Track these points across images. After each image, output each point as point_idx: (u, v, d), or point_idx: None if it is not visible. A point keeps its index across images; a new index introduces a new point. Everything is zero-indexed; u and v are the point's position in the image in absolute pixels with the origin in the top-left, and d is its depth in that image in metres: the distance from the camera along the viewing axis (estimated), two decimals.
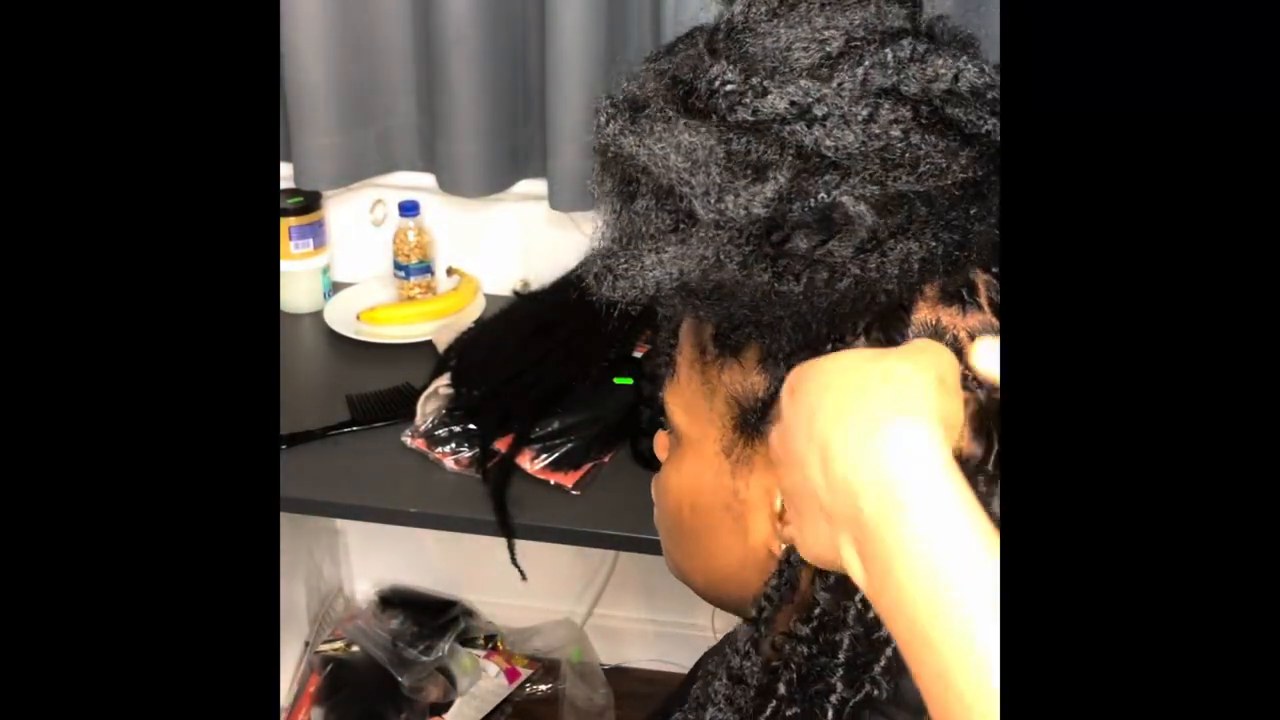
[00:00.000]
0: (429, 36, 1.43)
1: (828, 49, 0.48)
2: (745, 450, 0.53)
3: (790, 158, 0.47)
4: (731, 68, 0.48)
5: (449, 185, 1.50)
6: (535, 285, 1.58)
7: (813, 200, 0.46)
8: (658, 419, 0.62)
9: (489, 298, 1.57)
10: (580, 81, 1.38)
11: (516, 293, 1.59)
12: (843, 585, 0.50)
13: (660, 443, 0.63)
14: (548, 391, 1.29)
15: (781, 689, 0.51)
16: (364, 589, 1.96)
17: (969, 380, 0.48)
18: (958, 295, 0.49)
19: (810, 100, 0.46)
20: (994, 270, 0.50)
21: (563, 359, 1.33)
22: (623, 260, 0.51)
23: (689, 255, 0.48)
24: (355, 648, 1.80)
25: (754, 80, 0.47)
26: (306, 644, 1.85)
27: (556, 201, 1.47)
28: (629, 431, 1.26)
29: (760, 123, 0.47)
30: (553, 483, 1.21)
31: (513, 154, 1.51)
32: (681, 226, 0.49)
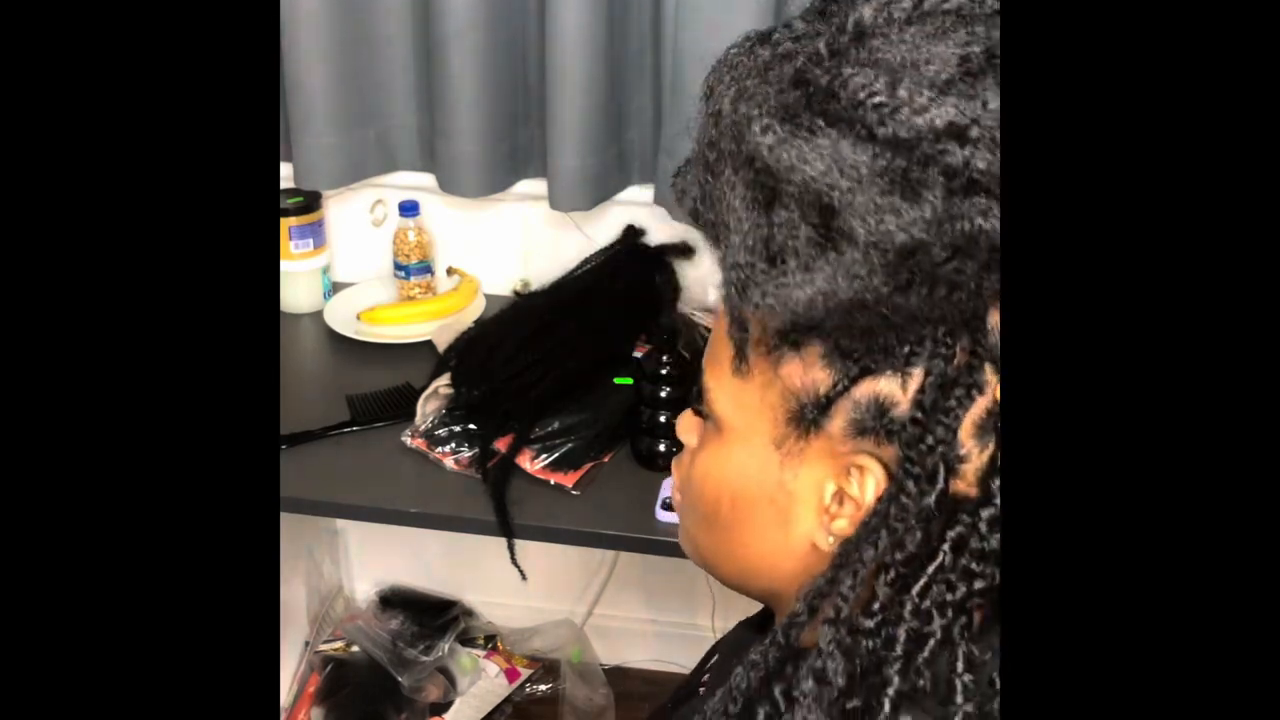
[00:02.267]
0: (429, 36, 1.43)
1: (969, 66, 0.46)
2: (797, 443, 0.53)
3: (939, 177, 0.45)
4: (873, 76, 0.46)
5: (449, 185, 1.50)
6: (535, 285, 1.58)
7: (961, 225, 0.45)
8: (695, 409, 0.61)
9: (489, 298, 1.57)
10: (580, 81, 1.38)
11: (516, 293, 1.59)
12: (903, 579, 0.50)
13: (687, 425, 0.62)
14: (548, 391, 1.29)
15: (843, 681, 0.51)
16: (364, 589, 1.96)
17: None
18: None
19: (967, 121, 0.45)
20: None
21: (563, 359, 1.33)
22: (767, 279, 0.49)
23: (841, 275, 0.47)
24: (355, 648, 1.80)
25: (901, 93, 0.45)
26: (306, 644, 1.85)
27: (556, 201, 1.47)
28: (629, 431, 1.26)
29: (910, 140, 0.45)
30: (553, 483, 1.21)
31: (513, 154, 1.51)
32: (834, 244, 0.47)
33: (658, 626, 1.89)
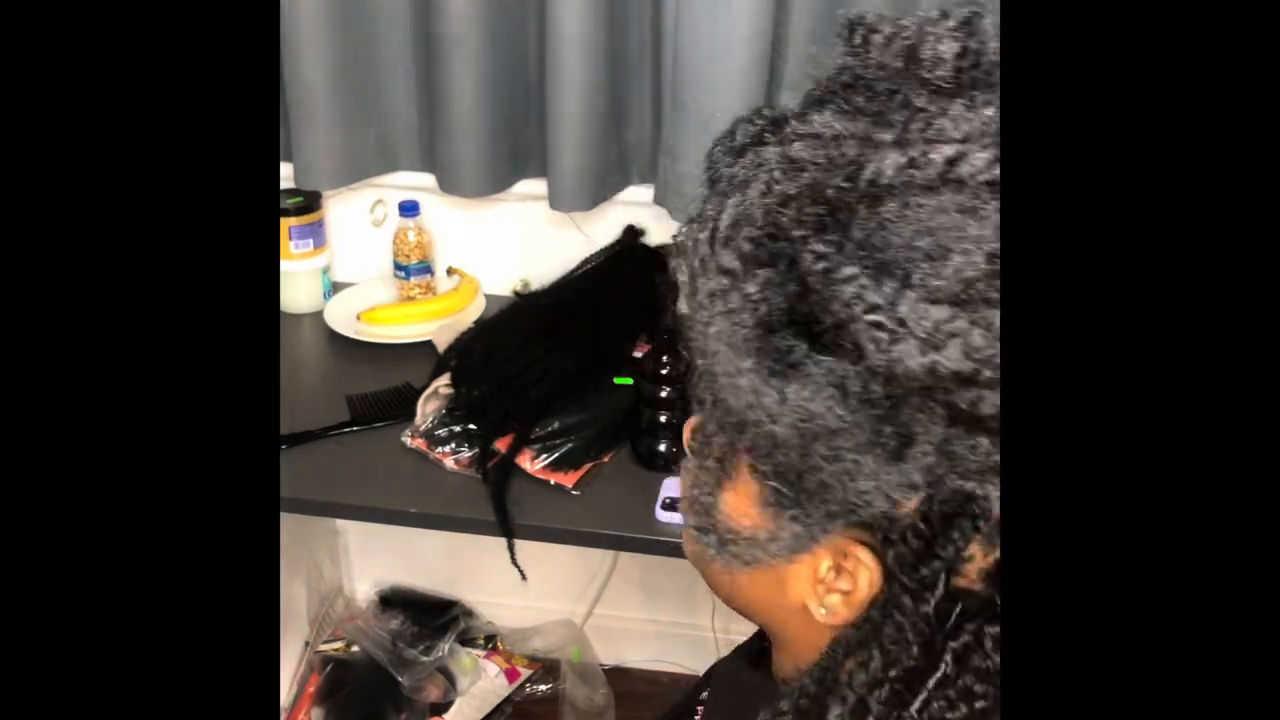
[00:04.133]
0: (429, 36, 1.43)
1: (996, 265, 0.38)
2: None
3: (940, 414, 0.39)
4: (873, 283, 0.38)
5: (449, 185, 1.50)
6: (535, 285, 1.58)
7: (962, 485, 0.40)
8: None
9: (489, 298, 1.57)
10: (580, 82, 1.38)
11: (516, 293, 1.59)
12: (899, 696, 0.46)
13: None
14: (548, 391, 1.29)
15: None
16: (364, 589, 1.96)
17: None
18: None
19: (976, 364, 0.38)
20: None
21: (563, 359, 1.33)
22: (728, 527, 0.47)
23: (812, 535, 0.44)
24: (355, 648, 1.80)
25: (903, 310, 0.37)
26: (306, 644, 1.85)
27: (556, 201, 1.47)
28: (629, 431, 1.26)
29: (904, 377, 0.39)
30: (553, 483, 1.21)
31: (513, 154, 1.51)
32: (804, 498, 0.44)
33: (658, 626, 1.89)
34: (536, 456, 1.23)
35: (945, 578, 0.44)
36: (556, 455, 1.23)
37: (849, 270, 0.39)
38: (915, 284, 0.38)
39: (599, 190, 1.47)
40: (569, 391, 1.30)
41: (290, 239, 1.54)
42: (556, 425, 1.26)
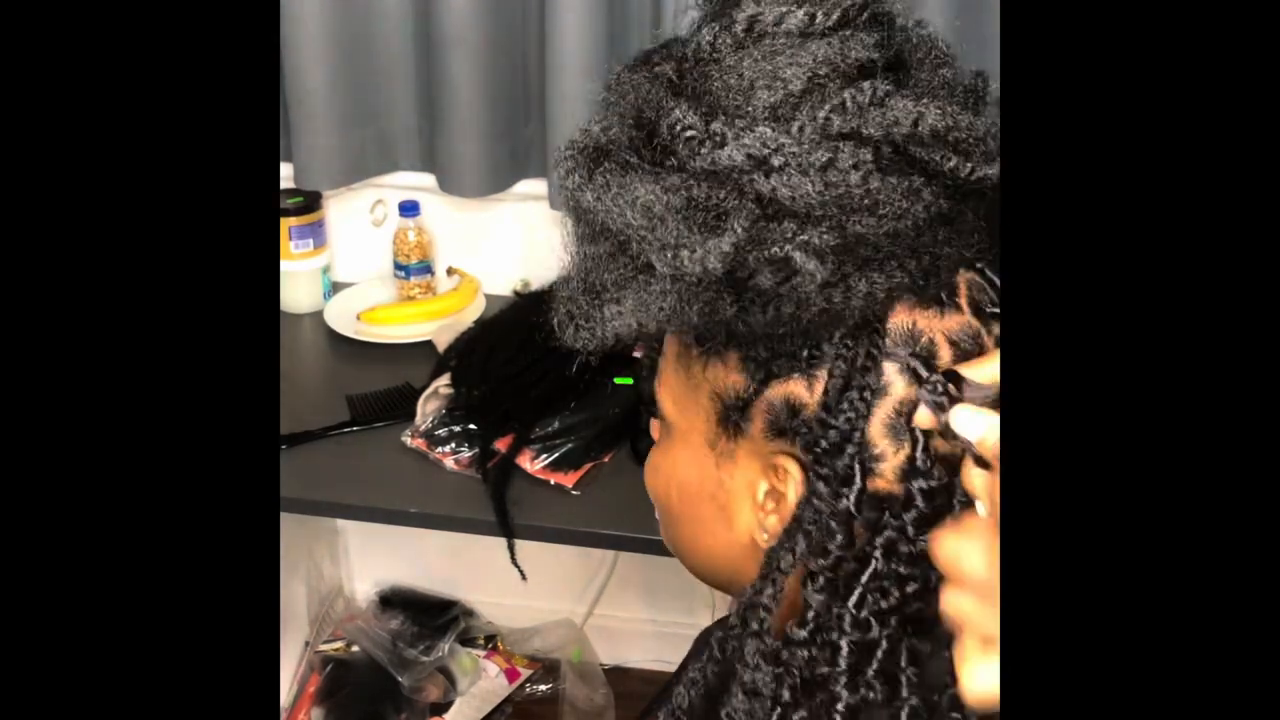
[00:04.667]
0: (429, 36, 1.43)
1: (790, 88, 0.48)
2: (728, 444, 0.54)
3: (749, 204, 0.47)
4: (692, 110, 0.48)
5: (449, 185, 1.50)
6: (535, 285, 1.58)
7: (768, 252, 0.47)
8: (648, 410, 0.63)
9: (489, 298, 1.57)
10: (580, 81, 1.38)
11: (516, 293, 1.59)
12: (834, 587, 0.51)
13: (655, 426, 0.64)
14: (548, 391, 1.29)
15: (786, 695, 0.51)
16: (364, 589, 1.96)
17: (909, 425, 0.50)
18: (935, 298, 0.50)
19: (768, 151, 0.46)
20: (978, 266, 0.51)
21: (563, 359, 1.33)
22: (584, 308, 0.51)
23: (648, 305, 0.49)
24: (355, 648, 1.80)
25: (714, 126, 0.47)
26: (306, 644, 1.85)
27: (556, 201, 1.47)
28: (629, 431, 1.26)
29: (719, 171, 0.47)
30: (553, 483, 1.21)
31: (513, 154, 1.51)
32: (640, 277, 0.49)
33: (658, 626, 1.89)
34: (536, 456, 1.23)
35: (861, 471, 0.49)
36: (556, 455, 1.23)
37: (673, 104, 0.49)
38: (726, 109, 0.48)
39: None
40: (569, 391, 1.30)
41: (290, 239, 1.54)
42: (556, 425, 1.26)
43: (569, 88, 1.38)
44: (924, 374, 0.49)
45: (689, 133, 0.48)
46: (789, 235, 0.47)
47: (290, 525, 1.64)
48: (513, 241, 1.61)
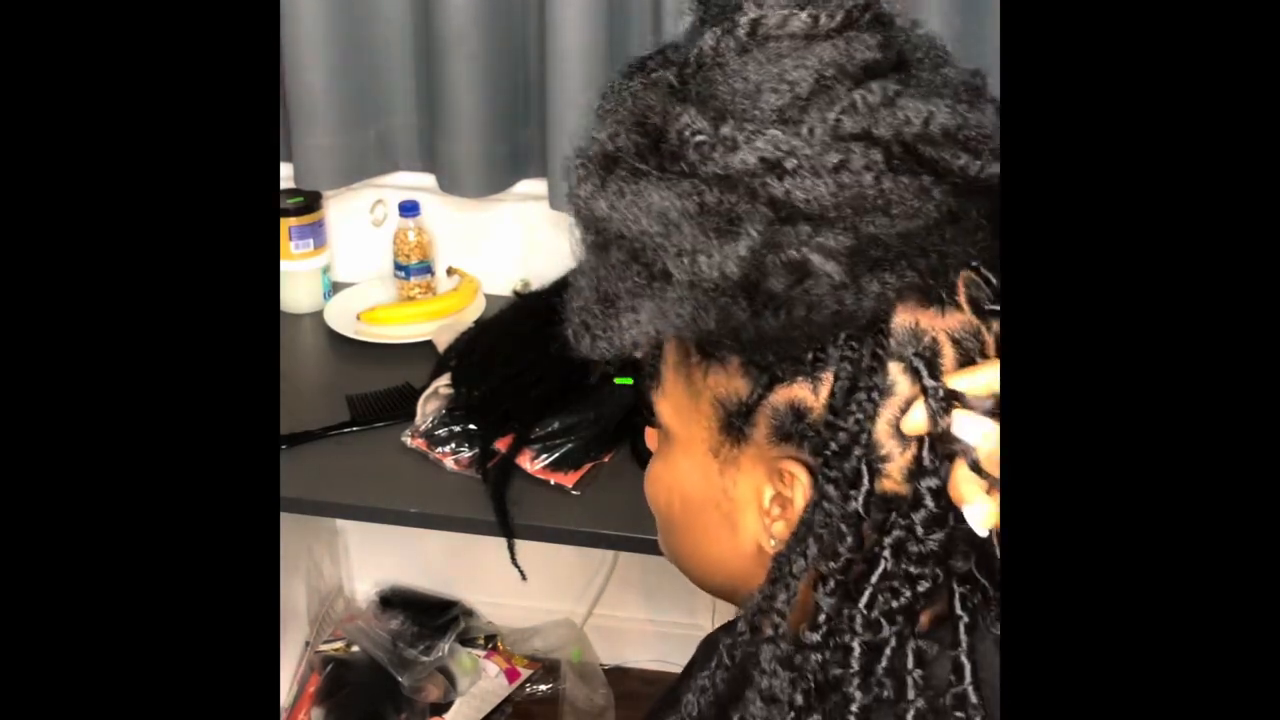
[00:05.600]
0: (429, 36, 1.43)
1: (798, 90, 0.48)
2: (732, 450, 0.54)
3: (762, 208, 0.47)
4: (700, 115, 0.48)
5: (449, 185, 1.50)
6: (535, 285, 1.58)
7: (784, 255, 0.47)
8: (646, 420, 0.63)
9: (489, 298, 1.57)
10: (580, 81, 1.38)
11: (516, 293, 1.59)
12: (844, 588, 0.51)
13: (650, 435, 0.63)
14: (548, 391, 1.29)
15: (800, 699, 0.51)
16: (364, 589, 1.96)
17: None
18: (937, 297, 0.50)
19: (780, 154, 0.46)
20: (974, 265, 0.50)
21: (563, 359, 1.33)
22: (599, 318, 0.51)
23: (665, 313, 0.49)
24: (355, 648, 1.80)
25: (724, 130, 0.47)
26: (306, 644, 1.85)
27: (556, 201, 1.47)
28: (629, 431, 1.26)
29: (731, 176, 0.47)
30: (553, 483, 1.21)
31: (513, 154, 1.51)
32: (656, 284, 0.49)
33: (658, 626, 1.89)
34: (536, 456, 1.23)
35: (869, 472, 0.49)
36: (556, 455, 1.23)
37: (679, 110, 0.49)
38: (734, 113, 0.48)
39: None
40: (569, 391, 1.30)
41: (290, 239, 1.54)
42: (556, 425, 1.26)
43: (569, 88, 1.38)
44: (926, 374, 0.49)
45: (699, 137, 0.47)
46: (804, 238, 0.47)
47: (290, 525, 1.64)
48: (513, 241, 1.61)
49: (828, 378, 0.50)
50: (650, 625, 1.90)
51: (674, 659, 1.86)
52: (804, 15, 0.48)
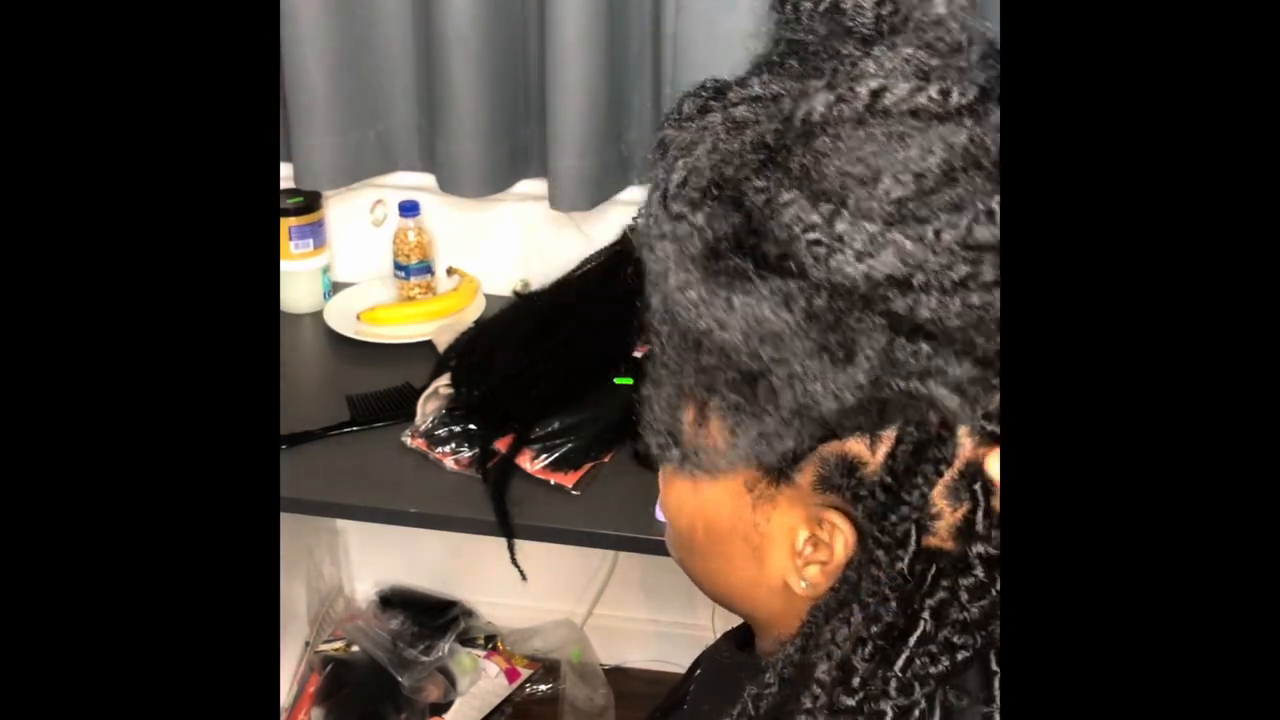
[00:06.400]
0: (429, 36, 1.43)
1: (923, 184, 0.41)
2: (769, 489, 0.51)
3: (878, 320, 0.42)
4: (812, 206, 0.42)
5: (449, 185, 1.50)
6: (535, 285, 1.58)
7: (906, 385, 0.43)
8: None
9: (489, 298, 1.57)
10: (580, 81, 1.38)
11: (516, 293, 1.59)
12: (883, 653, 0.48)
13: None
14: (548, 391, 1.29)
15: None
16: (364, 589, 1.96)
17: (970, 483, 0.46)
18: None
19: (908, 269, 0.41)
20: None
21: (563, 359, 1.33)
22: (691, 436, 0.49)
23: (769, 439, 0.46)
24: (355, 648, 1.80)
25: (840, 228, 0.41)
26: (306, 644, 1.85)
27: (556, 201, 1.47)
28: (629, 431, 1.26)
29: (846, 286, 0.42)
30: (553, 483, 1.21)
31: (513, 154, 1.51)
32: (760, 406, 0.45)
33: (658, 626, 1.89)
34: (536, 456, 1.23)
35: (917, 533, 0.46)
36: (556, 455, 1.23)
37: (787, 197, 0.43)
38: (849, 205, 0.42)
39: (599, 190, 1.47)
40: (569, 391, 1.30)
41: (290, 239, 1.54)
42: (556, 425, 1.26)
43: (569, 88, 1.38)
44: (996, 434, 0.45)
45: (811, 234, 0.42)
46: (924, 360, 0.42)
47: (290, 525, 1.64)
48: (513, 241, 1.61)
49: (888, 437, 0.46)
50: (650, 625, 1.90)
51: (674, 659, 1.86)
52: (934, 90, 0.42)
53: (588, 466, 1.23)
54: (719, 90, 0.48)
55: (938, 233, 0.41)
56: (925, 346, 0.43)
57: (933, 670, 0.47)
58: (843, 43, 0.44)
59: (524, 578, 1.18)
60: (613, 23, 1.38)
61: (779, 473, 0.49)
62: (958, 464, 0.46)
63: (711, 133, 0.46)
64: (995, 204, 0.42)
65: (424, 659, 1.77)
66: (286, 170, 1.52)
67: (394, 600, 1.89)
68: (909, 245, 0.41)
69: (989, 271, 0.42)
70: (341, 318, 1.53)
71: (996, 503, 0.46)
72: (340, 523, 1.89)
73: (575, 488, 1.20)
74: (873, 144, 0.42)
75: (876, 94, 0.42)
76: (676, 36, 1.36)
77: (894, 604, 0.47)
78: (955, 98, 0.42)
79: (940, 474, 0.45)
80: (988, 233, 0.42)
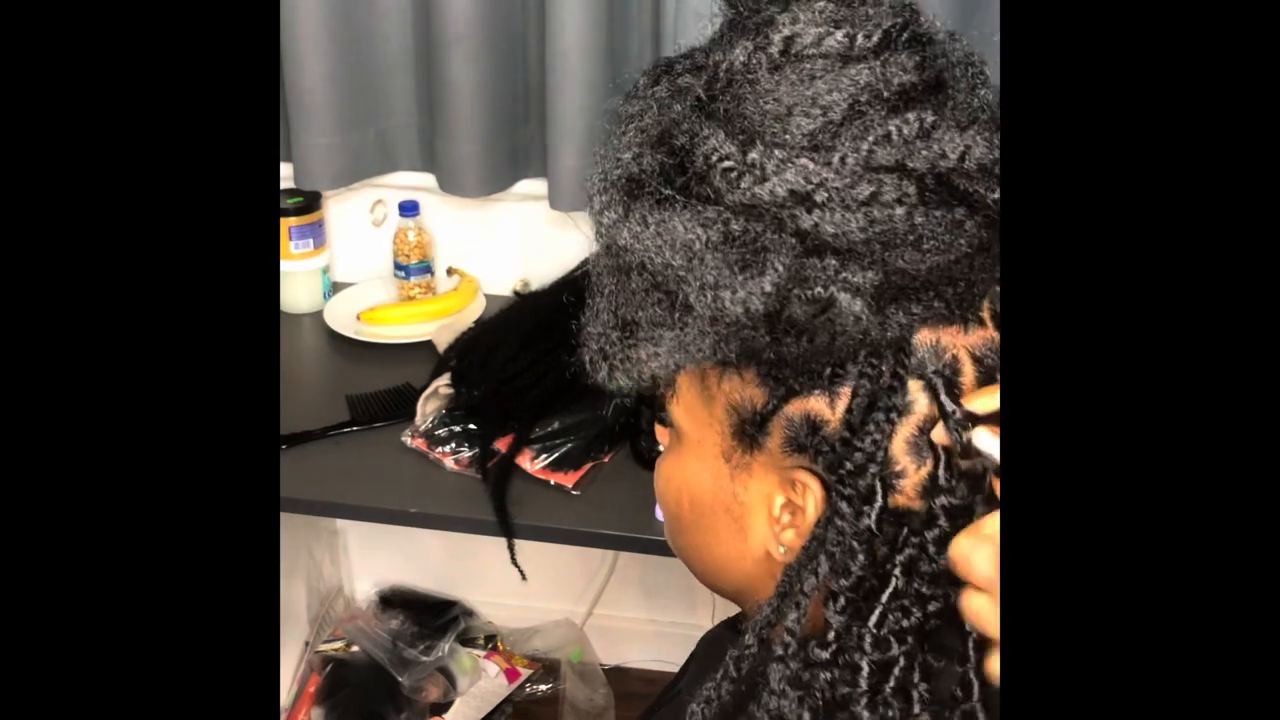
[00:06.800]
0: (429, 36, 1.43)
1: (830, 116, 0.46)
2: (744, 456, 0.53)
3: (789, 239, 0.46)
4: (729, 138, 0.47)
5: (449, 185, 1.50)
6: (535, 285, 1.58)
7: (810, 291, 0.46)
8: (658, 417, 0.63)
9: (489, 298, 1.57)
10: (580, 81, 1.38)
11: (516, 293, 1.59)
12: (855, 606, 0.50)
13: (661, 432, 0.63)
14: (548, 391, 1.29)
15: (808, 717, 0.50)
16: (364, 589, 1.96)
17: (931, 440, 0.49)
18: (961, 317, 0.49)
19: (810, 185, 0.45)
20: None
21: (563, 359, 1.33)
22: (618, 346, 0.51)
23: (686, 346, 0.48)
24: (355, 648, 1.80)
25: (752, 156, 0.46)
26: (306, 644, 1.85)
27: (556, 201, 1.47)
28: (629, 431, 1.26)
29: (758, 205, 0.46)
30: (553, 483, 1.21)
31: (513, 154, 1.51)
32: (677, 316, 0.48)
33: (658, 626, 1.89)
34: (536, 456, 1.23)
35: (883, 489, 0.49)
36: (556, 455, 1.23)
37: (707, 133, 0.47)
38: (764, 137, 0.46)
39: None
40: (569, 391, 1.30)
41: (290, 239, 1.54)
42: (556, 425, 1.26)
43: (569, 88, 1.38)
44: (944, 394, 0.48)
45: (726, 163, 0.46)
46: (831, 273, 0.46)
47: (290, 525, 1.64)
48: (512, 241, 1.61)
49: (845, 393, 0.49)
50: (650, 625, 1.90)
51: (674, 659, 1.86)
52: (840, 35, 0.46)
53: (588, 466, 1.23)
54: (668, 65, 0.53)
55: (843, 159, 0.45)
56: (832, 260, 0.46)
57: (905, 624, 0.50)
58: (768, 6, 0.49)
59: (524, 578, 1.18)
60: (613, 23, 1.38)
61: (750, 438, 0.52)
62: (915, 420, 0.49)
63: (656, 100, 0.51)
64: (894, 132, 0.45)
65: (424, 659, 1.77)
66: (286, 170, 1.52)
67: (394, 600, 1.89)
68: (812, 166, 0.45)
69: (890, 191, 0.45)
70: (341, 318, 1.53)
71: (958, 460, 0.48)
72: (340, 523, 1.89)
73: (575, 488, 1.20)
74: (785, 85, 0.47)
75: (789, 40, 0.47)
76: (676, 37, 1.36)
77: (862, 557, 0.50)
78: (860, 41, 0.46)
79: (892, 422, 0.48)
80: (889, 156, 0.45)
